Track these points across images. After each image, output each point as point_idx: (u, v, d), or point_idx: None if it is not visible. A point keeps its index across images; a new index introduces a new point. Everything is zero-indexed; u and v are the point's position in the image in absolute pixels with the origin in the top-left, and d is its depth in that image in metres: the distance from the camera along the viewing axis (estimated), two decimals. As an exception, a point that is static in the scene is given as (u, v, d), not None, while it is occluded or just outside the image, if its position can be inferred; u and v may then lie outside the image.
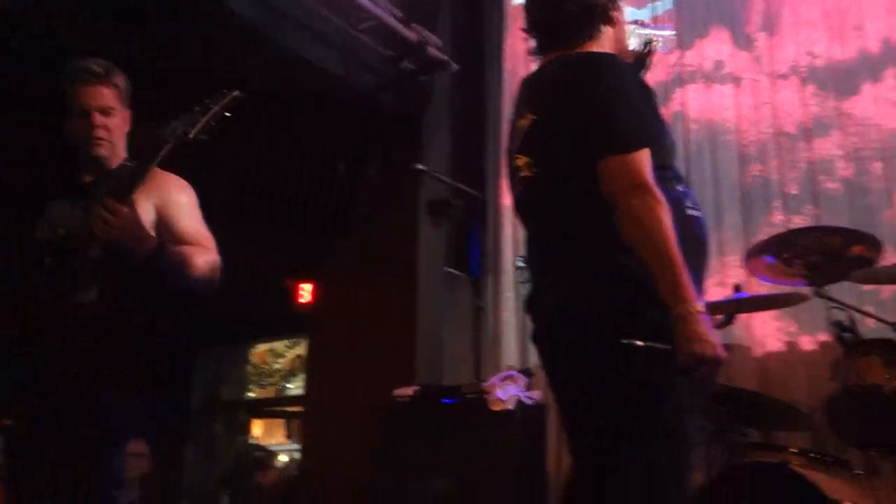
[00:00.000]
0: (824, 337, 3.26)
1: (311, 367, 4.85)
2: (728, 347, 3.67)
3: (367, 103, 4.14)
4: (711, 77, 4.19)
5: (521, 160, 1.85)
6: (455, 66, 4.38)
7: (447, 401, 3.46)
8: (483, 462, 3.19)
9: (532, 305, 1.85)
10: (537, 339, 1.83)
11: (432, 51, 4.22)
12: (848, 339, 2.79)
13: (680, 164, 4.05)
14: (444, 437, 3.37)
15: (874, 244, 2.70)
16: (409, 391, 3.51)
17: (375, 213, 4.34)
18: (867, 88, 3.86)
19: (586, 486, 1.67)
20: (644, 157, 1.64)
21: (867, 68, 3.89)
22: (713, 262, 3.97)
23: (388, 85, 4.23)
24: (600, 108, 1.71)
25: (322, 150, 4.38)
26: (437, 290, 4.29)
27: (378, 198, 4.36)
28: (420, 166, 4.12)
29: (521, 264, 3.98)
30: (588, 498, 1.66)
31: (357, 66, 4.01)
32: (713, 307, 2.79)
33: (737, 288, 2.95)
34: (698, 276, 1.75)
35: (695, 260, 1.71)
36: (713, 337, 1.47)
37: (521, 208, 1.93)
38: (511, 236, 4.48)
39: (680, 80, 4.26)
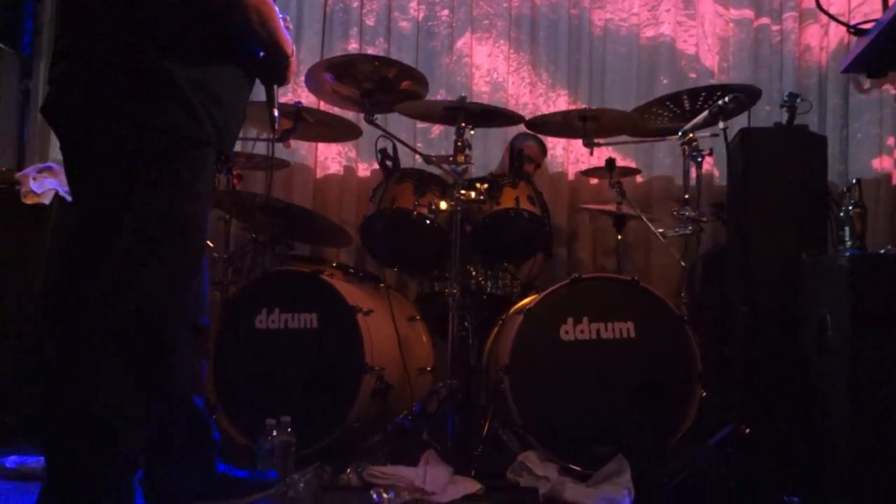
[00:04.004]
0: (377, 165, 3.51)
1: None
2: (290, 167, 3.85)
3: None
4: None
5: None
6: None
7: (-27, 187, 3.13)
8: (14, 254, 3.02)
9: (59, 81, 1.60)
10: (48, 113, 1.60)
11: None
12: (389, 167, 3.05)
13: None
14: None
15: (422, 82, 2.91)
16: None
17: None
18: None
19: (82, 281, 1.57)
20: None
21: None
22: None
23: None
24: None
25: None
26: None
27: None
28: None
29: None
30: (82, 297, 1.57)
31: None
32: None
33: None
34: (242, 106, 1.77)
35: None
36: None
37: None
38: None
39: None
